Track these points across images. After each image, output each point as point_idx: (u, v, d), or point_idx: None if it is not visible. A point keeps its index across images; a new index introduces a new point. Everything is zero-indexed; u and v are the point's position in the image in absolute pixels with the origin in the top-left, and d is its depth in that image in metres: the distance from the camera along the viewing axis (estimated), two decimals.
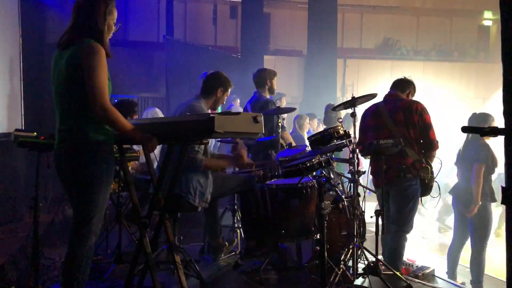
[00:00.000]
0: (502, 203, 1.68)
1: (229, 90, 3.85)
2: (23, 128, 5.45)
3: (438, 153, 3.90)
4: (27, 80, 6.11)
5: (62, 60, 2.58)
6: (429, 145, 3.83)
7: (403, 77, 4.14)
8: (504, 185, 1.71)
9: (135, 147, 4.05)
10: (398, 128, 3.79)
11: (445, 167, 4.07)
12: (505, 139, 1.70)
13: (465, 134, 4.94)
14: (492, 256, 5.42)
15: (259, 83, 5.11)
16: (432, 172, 3.80)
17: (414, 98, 4.08)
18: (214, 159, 3.92)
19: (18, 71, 5.95)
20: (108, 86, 2.56)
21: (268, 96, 5.08)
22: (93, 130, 2.56)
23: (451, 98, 11.84)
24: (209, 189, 3.57)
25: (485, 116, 4.79)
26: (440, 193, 3.89)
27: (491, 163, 4.72)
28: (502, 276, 4.60)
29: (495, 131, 1.72)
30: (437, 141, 3.84)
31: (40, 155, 3.08)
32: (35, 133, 3.00)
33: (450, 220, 6.40)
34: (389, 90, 4.11)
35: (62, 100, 2.61)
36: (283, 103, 7.57)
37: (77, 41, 2.54)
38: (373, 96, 3.75)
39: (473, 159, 4.74)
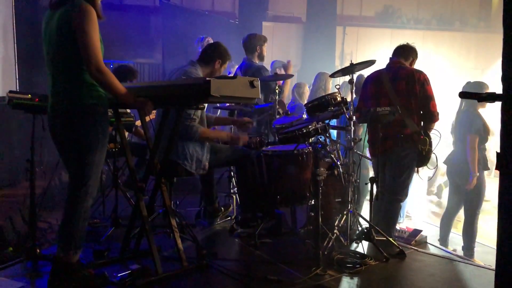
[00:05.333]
0: (496, 169, 1.69)
1: (227, 63, 3.80)
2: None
3: (436, 123, 3.89)
4: (21, 43, 6.01)
5: (53, 20, 2.54)
6: (429, 117, 3.79)
7: (405, 43, 4.07)
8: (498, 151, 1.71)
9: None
10: (399, 98, 3.75)
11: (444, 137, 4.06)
12: (502, 105, 1.68)
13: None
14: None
15: (249, 49, 5.04)
16: (430, 144, 3.79)
17: (416, 68, 4.02)
18: (211, 130, 3.91)
19: (11, 34, 5.84)
20: (101, 48, 2.53)
21: (258, 63, 5.02)
22: (86, 93, 2.54)
23: (451, 68, 11.75)
24: (206, 156, 3.56)
25: (480, 85, 4.77)
26: (437, 165, 3.89)
27: (484, 133, 4.75)
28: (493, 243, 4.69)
29: (492, 97, 1.71)
30: (438, 113, 3.80)
31: (35, 118, 3.06)
32: (29, 95, 2.97)
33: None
34: (391, 56, 4.04)
35: (54, 62, 2.58)
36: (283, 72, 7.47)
37: (68, 1, 2.49)
38: (372, 62, 3.69)
39: (466, 130, 4.75)
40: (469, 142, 4.73)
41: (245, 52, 5.07)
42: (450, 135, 5.13)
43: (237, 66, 7.81)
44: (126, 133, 4.15)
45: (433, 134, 3.89)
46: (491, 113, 4.85)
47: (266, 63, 5.25)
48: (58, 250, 2.58)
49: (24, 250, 3.11)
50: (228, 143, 3.80)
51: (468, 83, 4.88)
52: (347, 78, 3.77)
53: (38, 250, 3.03)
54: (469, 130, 4.74)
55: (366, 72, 4.21)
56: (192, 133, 3.43)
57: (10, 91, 3.06)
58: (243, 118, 3.98)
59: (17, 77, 5.91)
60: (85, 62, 2.46)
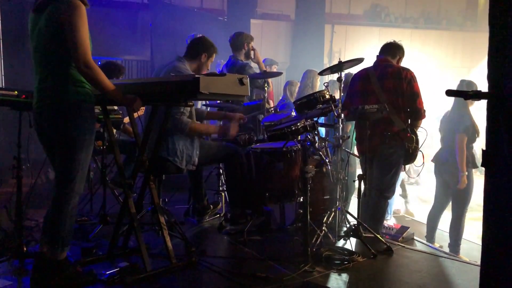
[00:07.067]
0: (481, 165, 1.71)
1: (214, 56, 3.79)
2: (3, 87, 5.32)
3: (423, 121, 3.93)
4: (7, 39, 5.94)
5: (41, 18, 2.53)
6: (415, 114, 3.83)
7: (392, 40, 4.10)
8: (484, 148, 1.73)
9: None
10: (387, 95, 3.77)
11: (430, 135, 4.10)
12: (488, 103, 1.71)
13: (450, 103, 5.00)
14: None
15: (236, 47, 5.05)
16: (417, 142, 3.83)
17: (403, 66, 4.05)
18: (201, 124, 3.90)
19: None
20: (89, 44, 2.51)
21: (244, 61, 5.02)
22: (73, 89, 2.52)
23: (437, 67, 11.88)
24: (196, 152, 3.56)
25: (472, 84, 4.83)
26: (424, 162, 3.93)
27: (472, 133, 4.80)
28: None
29: (478, 95, 1.73)
30: (424, 110, 3.83)
31: (22, 114, 3.02)
32: (16, 92, 2.93)
33: None
34: (378, 54, 4.07)
35: (42, 58, 2.56)
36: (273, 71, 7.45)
37: (54, 1, 2.47)
38: (360, 60, 3.72)
39: (455, 129, 4.80)
40: (457, 141, 4.77)
41: (232, 50, 5.07)
42: (438, 132, 5.18)
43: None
44: (114, 130, 4.12)
45: (419, 132, 3.93)
46: (478, 111, 4.90)
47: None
48: (41, 246, 2.55)
49: (11, 249, 3.07)
50: (218, 135, 3.80)
51: (463, 81, 4.93)
52: (336, 76, 3.79)
53: (24, 248, 3.00)
54: (457, 129, 4.79)
55: (354, 70, 4.23)
56: (182, 126, 3.42)
57: None
58: (235, 113, 3.96)
59: (2, 74, 5.83)
60: (74, 57, 2.44)
